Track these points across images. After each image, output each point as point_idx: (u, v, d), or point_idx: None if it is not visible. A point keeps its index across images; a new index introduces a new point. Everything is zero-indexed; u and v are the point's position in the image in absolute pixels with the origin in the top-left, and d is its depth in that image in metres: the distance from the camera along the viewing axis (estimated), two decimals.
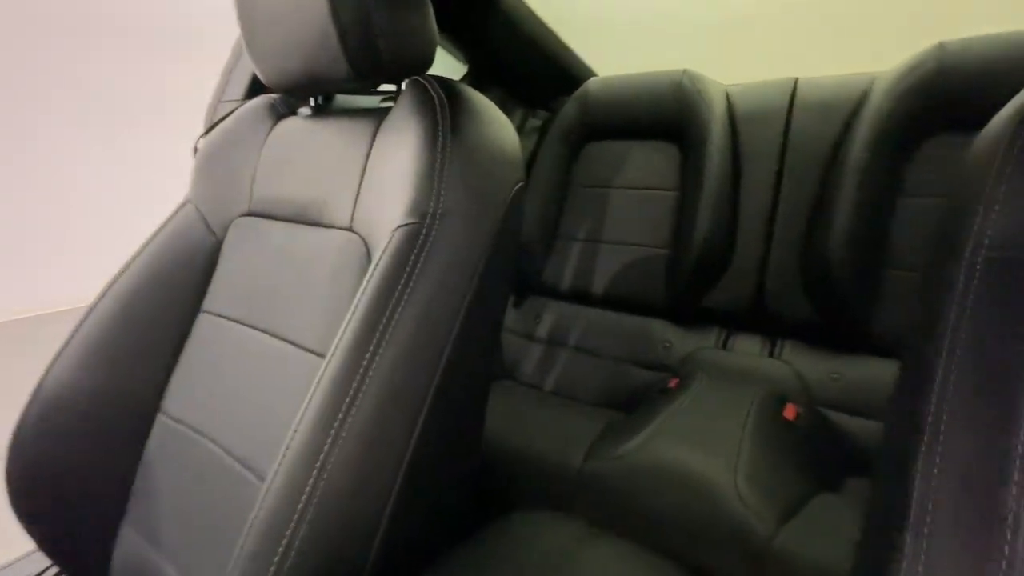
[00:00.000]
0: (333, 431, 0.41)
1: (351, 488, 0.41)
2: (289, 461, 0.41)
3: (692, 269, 1.00)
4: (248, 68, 0.83)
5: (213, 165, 0.67)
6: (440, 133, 0.47)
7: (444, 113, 0.48)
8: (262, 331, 0.57)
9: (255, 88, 0.83)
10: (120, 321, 0.62)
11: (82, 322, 0.62)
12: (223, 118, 0.70)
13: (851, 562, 0.38)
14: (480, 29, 1.09)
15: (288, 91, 0.61)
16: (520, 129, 1.38)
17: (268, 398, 0.52)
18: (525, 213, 1.19)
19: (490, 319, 0.54)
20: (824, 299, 0.90)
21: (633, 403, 1.02)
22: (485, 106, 0.53)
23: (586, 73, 1.34)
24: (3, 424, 0.60)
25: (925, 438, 0.28)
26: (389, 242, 0.45)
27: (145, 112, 1.21)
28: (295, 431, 0.42)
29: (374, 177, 0.52)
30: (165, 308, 0.64)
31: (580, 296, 1.17)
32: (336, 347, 0.43)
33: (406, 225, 0.45)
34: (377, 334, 0.43)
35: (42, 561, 0.73)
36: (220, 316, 0.62)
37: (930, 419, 0.28)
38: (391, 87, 0.58)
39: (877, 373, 0.86)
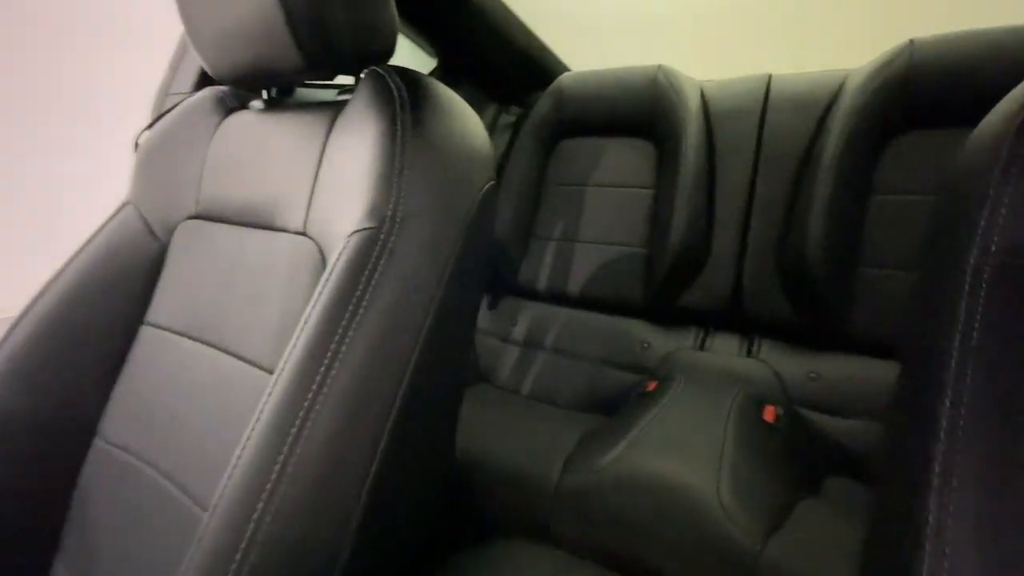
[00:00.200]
0: (282, 456, 0.36)
1: (304, 519, 0.37)
2: (231, 492, 0.36)
3: (669, 268, 0.98)
4: (197, 58, 0.77)
5: (155, 163, 0.62)
6: (399, 128, 0.43)
7: (404, 106, 0.44)
8: (210, 345, 0.52)
9: (205, 80, 0.77)
10: (51, 336, 0.56)
11: (6, 337, 0.56)
12: (167, 111, 0.64)
13: (850, 572, 0.37)
14: (450, 20, 1.05)
15: (236, 83, 0.56)
16: (493, 125, 1.35)
17: (215, 420, 0.48)
18: (499, 212, 1.16)
19: (460, 327, 0.51)
20: (800, 296, 0.90)
21: (612, 406, 1.00)
22: (451, 99, 0.49)
23: (559, 68, 1.31)
24: None
25: (942, 447, 0.27)
26: (343, 249, 0.41)
27: (82, 99, 1.10)
28: (238, 457, 0.37)
29: (328, 177, 0.47)
30: (102, 321, 0.58)
31: (556, 296, 1.14)
32: (285, 363, 0.39)
33: (362, 231, 0.41)
34: (332, 348, 0.39)
35: None
36: (164, 329, 0.56)
37: (945, 428, 0.27)
38: (350, 79, 0.54)
39: (854, 371, 0.86)
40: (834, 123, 0.87)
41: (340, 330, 0.39)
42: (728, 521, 0.59)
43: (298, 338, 0.39)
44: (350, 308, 0.39)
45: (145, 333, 0.58)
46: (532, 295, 1.18)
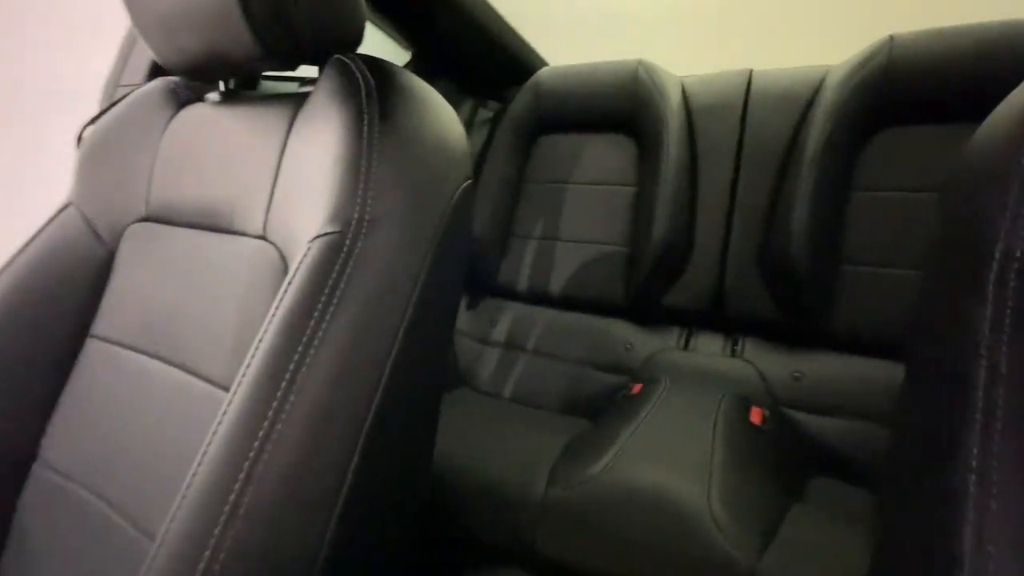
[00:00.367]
0: (239, 481, 0.33)
1: (266, 546, 0.33)
2: (181, 521, 0.33)
3: (651, 266, 0.96)
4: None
5: (101, 160, 0.57)
6: (366, 122, 0.39)
7: (371, 96, 0.40)
8: (162, 361, 0.47)
9: (159, 71, 0.71)
10: None
11: None
12: (113, 104, 0.59)
13: None
14: (425, 10, 1.01)
15: (188, 74, 0.51)
16: (471, 121, 1.32)
17: (168, 444, 0.43)
18: (477, 210, 1.12)
19: (437, 335, 0.47)
20: (783, 294, 0.89)
21: (595, 408, 0.98)
22: (423, 91, 0.45)
23: (538, 63, 1.28)
24: None
25: (974, 477, 0.25)
26: (304, 256, 0.37)
27: (14, 88, 1.00)
28: (188, 485, 0.34)
29: (289, 176, 0.43)
30: (43, 335, 0.53)
31: (537, 297, 1.12)
32: (240, 382, 0.35)
33: (325, 235, 0.37)
34: (293, 362, 0.35)
35: None
36: (111, 343, 0.52)
37: (976, 456, 0.25)
38: (314, 70, 0.50)
39: (838, 370, 0.86)
40: (815, 119, 0.86)
41: (301, 346, 0.35)
42: (721, 535, 0.58)
43: (254, 354, 0.36)
44: (312, 321, 0.36)
45: (91, 347, 0.53)
46: (512, 296, 1.15)
